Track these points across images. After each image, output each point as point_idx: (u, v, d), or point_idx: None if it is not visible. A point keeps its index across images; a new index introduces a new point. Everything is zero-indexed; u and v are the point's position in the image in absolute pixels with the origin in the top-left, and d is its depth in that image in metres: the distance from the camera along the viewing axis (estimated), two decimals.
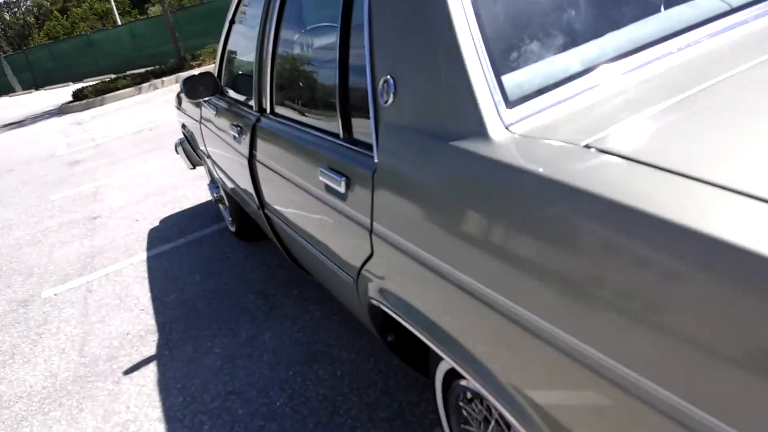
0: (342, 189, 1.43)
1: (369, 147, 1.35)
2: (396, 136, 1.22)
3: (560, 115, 1.00)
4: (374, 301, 1.44)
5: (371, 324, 1.58)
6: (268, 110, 2.11)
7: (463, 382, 1.32)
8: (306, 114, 1.83)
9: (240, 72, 2.69)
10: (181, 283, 3.42)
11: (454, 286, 1.05)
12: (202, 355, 2.67)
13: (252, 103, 2.26)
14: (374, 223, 1.31)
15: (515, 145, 0.96)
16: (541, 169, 0.86)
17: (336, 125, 1.54)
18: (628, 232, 0.72)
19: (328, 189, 1.53)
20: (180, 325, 2.97)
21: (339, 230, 1.54)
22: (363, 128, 1.43)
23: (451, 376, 1.37)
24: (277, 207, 2.14)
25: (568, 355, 0.81)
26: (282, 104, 2.03)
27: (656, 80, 1.02)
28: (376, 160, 1.29)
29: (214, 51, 15.04)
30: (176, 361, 2.67)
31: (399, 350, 1.61)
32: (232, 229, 3.77)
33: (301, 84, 1.93)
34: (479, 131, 1.01)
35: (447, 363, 1.34)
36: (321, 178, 1.54)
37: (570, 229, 0.79)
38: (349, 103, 1.49)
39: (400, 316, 1.30)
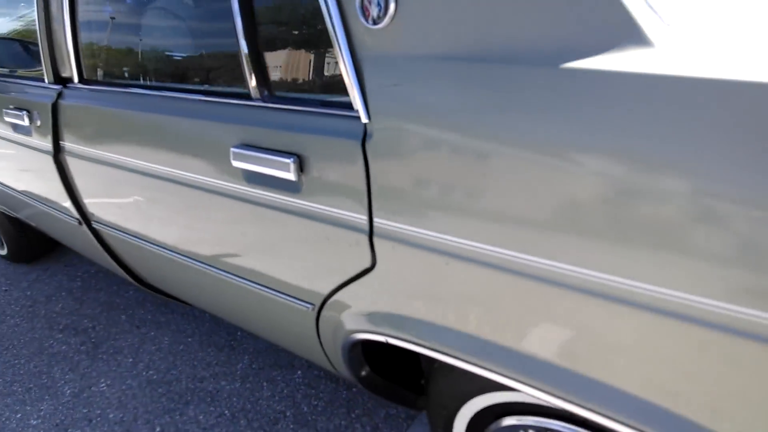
0: (291, 175, 0.94)
1: (338, 104, 0.89)
2: (413, 75, 0.78)
3: None
4: (363, 335, 0.99)
5: (343, 363, 1.12)
6: (75, 78, 1.45)
7: (512, 421, 0.97)
8: (162, 71, 1.24)
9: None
10: None
11: (553, 286, 0.71)
12: None
13: (42, 73, 1.55)
14: (377, 221, 0.86)
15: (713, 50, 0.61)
16: None
17: (242, 79, 1.02)
18: None
19: (255, 179, 1.02)
20: None
21: (289, 241, 1.04)
22: (304, 74, 0.96)
23: (485, 416, 1.01)
24: (122, 219, 1.49)
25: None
26: (104, 64, 1.39)
27: None
28: (365, 121, 0.84)
29: None
30: None
31: (374, 384, 1.19)
32: (3, 252, 2.84)
33: (140, 23, 1.31)
34: (627, 37, 0.63)
35: (478, 401, 0.98)
36: (237, 164, 1.02)
37: None
38: (259, 41, 0.98)
39: (429, 348, 0.89)
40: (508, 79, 0.69)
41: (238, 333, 2.16)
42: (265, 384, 1.88)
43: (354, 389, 1.80)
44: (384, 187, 0.84)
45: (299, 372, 1.91)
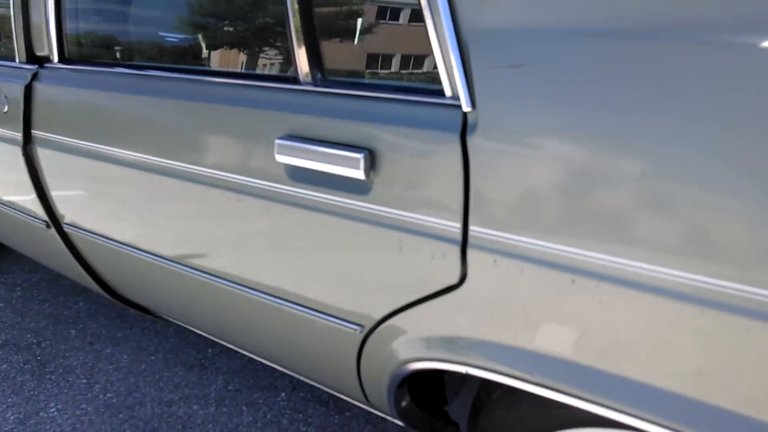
0: (359, 173, 0.81)
1: (419, 90, 0.77)
2: (543, 54, 0.65)
3: None
4: (426, 364, 0.86)
5: (385, 394, 0.98)
6: (55, 57, 1.26)
7: None
8: (175, 47, 1.08)
9: None
10: None
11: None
12: None
13: (13, 51, 1.34)
14: (474, 230, 0.75)
15: None
16: None
17: (288, 60, 0.88)
18: None
19: (304, 177, 0.88)
20: None
21: (343, 251, 0.89)
22: (374, 53, 0.84)
23: None
24: (104, 223, 1.29)
25: None
26: (95, 40, 1.21)
27: None
28: (467, 109, 0.72)
29: None
30: None
31: (411, 416, 1.06)
32: None
33: None
34: None
35: None
36: (282, 158, 0.88)
37: None
38: (314, 13, 0.85)
39: (528, 381, 0.77)
40: (675, 60, 0.58)
41: (209, 350, 1.97)
42: (244, 408, 1.71)
43: (347, 413, 1.66)
44: (489, 189, 0.72)
45: (283, 394, 1.75)
